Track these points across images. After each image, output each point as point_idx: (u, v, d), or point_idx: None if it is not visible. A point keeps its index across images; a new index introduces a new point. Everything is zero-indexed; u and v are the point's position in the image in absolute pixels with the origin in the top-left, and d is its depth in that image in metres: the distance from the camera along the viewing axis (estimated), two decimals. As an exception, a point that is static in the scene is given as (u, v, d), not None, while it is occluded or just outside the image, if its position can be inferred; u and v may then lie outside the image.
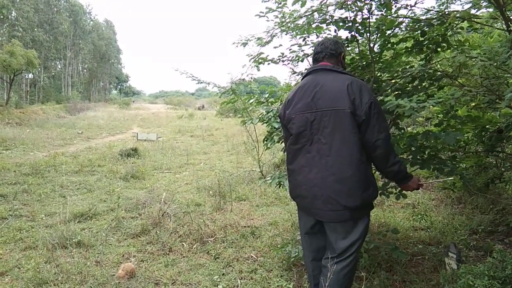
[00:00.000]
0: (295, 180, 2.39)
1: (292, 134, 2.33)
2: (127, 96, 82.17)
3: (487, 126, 3.75)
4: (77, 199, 5.93)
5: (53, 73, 49.81)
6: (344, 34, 3.22)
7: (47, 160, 8.87)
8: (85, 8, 58.20)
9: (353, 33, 3.16)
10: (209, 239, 4.11)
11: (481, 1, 2.91)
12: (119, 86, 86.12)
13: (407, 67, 3.44)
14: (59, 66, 53.14)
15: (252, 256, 3.73)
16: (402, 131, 3.39)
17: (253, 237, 4.23)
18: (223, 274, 3.39)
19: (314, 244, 2.53)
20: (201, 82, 4.18)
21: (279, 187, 3.49)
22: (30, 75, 39.62)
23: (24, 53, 24.66)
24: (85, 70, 62.67)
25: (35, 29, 41.03)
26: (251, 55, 3.58)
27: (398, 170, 2.25)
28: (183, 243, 4.04)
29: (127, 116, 28.16)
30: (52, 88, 47.12)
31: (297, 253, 3.24)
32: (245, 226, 4.54)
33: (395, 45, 3.32)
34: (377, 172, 2.55)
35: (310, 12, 2.93)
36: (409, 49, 3.32)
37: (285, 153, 2.51)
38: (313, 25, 3.14)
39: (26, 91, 39.07)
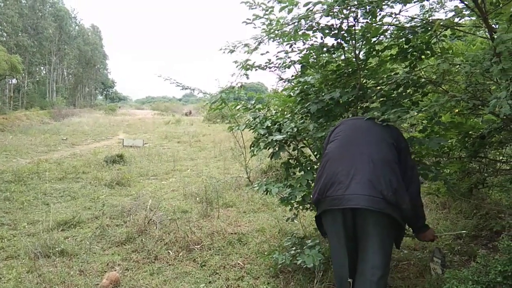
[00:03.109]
0: (330, 170, 2.33)
1: (335, 135, 2.54)
2: (113, 102, 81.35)
3: (470, 132, 3.81)
4: (61, 206, 5.82)
5: (38, 79, 49.07)
6: (330, 41, 3.25)
7: (30, 167, 8.71)
8: (70, 13, 57.65)
9: (339, 40, 3.18)
10: (196, 246, 4.07)
11: (464, 10, 2.95)
12: (105, 92, 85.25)
13: (392, 74, 3.48)
14: (44, 72, 52.40)
15: (239, 263, 3.70)
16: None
17: (240, 244, 4.20)
18: (209, 282, 3.36)
19: (352, 254, 2.32)
20: (186, 88, 4.14)
21: (266, 194, 3.48)
22: (14, 81, 39.00)
23: (7, 58, 24.28)
24: (70, 76, 61.97)
25: (19, 34, 40.45)
26: (238, 62, 3.57)
27: (423, 214, 2.48)
28: (169, 251, 3.99)
29: (113, 122, 27.85)
30: (36, 93, 46.37)
31: (284, 260, 3.22)
32: (232, 233, 4.52)
33: (380, 53, 3.36)
34: None
35: (297, 20, 2.95)
36: (394, 57, 3.36)
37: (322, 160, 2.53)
38: (300, 32, 3.16)
39: (10, 96, 38.35)
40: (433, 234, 2.58)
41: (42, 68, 51.61)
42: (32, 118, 27.38)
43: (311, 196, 2.48)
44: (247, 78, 3.67)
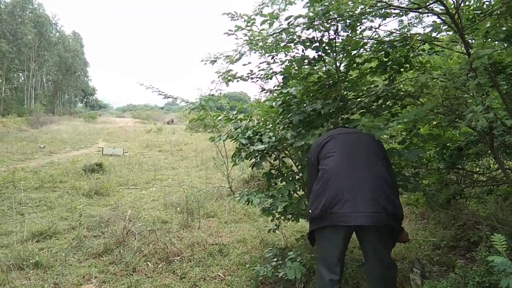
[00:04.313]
0: (335, 187, 2.38)
1: (330, 150, 2.58)
2: (93, 110, 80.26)
3: (448, 144, 3.89)
4: (36, 217, 5.65)
5: (16, 85, 48.03)
6: (311, 53, 3.29)
7: (5, 175, 8.45)
8: (51, 19, 56.81)
9: (320, 52, 3.22)
10: (175, 258, 4.01)
11: (441, 25, 3.03)
12: (85, 99, 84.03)
13: (372, 86, 3.54)
14: (22, 78, 51.37)
15: (219, 275, 3.66)
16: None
17: (221, 255, 4.16)
18: (189, 295, 3.30)
19: (341, 269, 2.48)
20: (168, 97, 4.12)
21: (248, 204, 3.46)
22: (-10, 87, 38.05)
23: (-16, 63, 23.67)
24: (49, 83, 60.89)
25: (-3, 40, 39.60)
26: (220, 72, 3.57)
27: (402, 215, 2.52)
28: (148, 262, 3.91)
29: (92, 130, 27.37)
30: (13, 100, 45.33)
31: (265, 272, 3.19)
32: (213, 244, 4.46)
33: (360, 65, 3.42)
34: None
35: (278, 32, 2.97)
36: (374, 69, 3.42)
37: (320, 172, 2.55)
38: (281, 44, 3.18)
39: (-15, 103, 37.41)
40: (407, 236, 2.71)
41: (20, 74, 50.59)
42: (9, 126, 26.70)
43: (309, 210, 2.50)
44: (227, 85, 3.67)
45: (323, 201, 2.38)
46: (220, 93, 3.92)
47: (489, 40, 2.73)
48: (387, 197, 2.35)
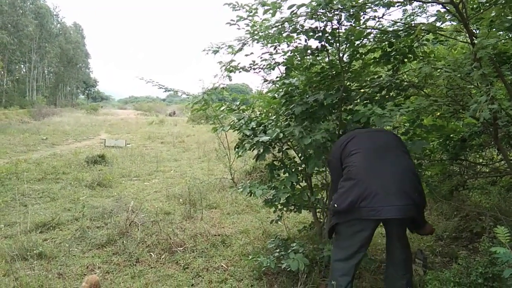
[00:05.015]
0: (364, 182, 2.41)
1: (354, 148, 2.61)
2: (95, 101, 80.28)
3: (451, 135, 3.87)
4: (40, 208, 5.68)
5: (17, 77, 47.93)
6: (314, 43, 3.26)
7: (8, 167, 8.47)
8: (52, 11, 56.58)
9: (323, 42, 3.19)
10: (178, 248, 4.02)
11: (446, 15, 3.00)
12: (86, 91, 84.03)
13: (375, 77, 3.51)
14: (24, 70, 51.31)
15: (222, 266, 3.67)
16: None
17: (223, 246, 4.17)
18: (192, 285, 3.32)
19: (358, 262, 2.57)
20: (169, 90, 4.10)
21: (250, 195, 3.46)
22: (-8, 79, 38.03)
23: (-15, 55, 23.62)
24: (51, 74, 60.76)
25: (-2, 31, 39.46)
26: (222, 63, 3.54)
27: (425, 204, 2.62)
28: (151, 253, 3.93)
29: (94, 122, 27.39)
30: (15, 92, 45.33)
31: (268, 263, 3.20)
32: (215, 235, 4.48)
33: (363, 55, 3.39)
34: None
35: (281, 22, 2.94)
36: (377, 60, 3.39)
37: (347, 168, 2.56)
38: (284, 34, 3.15)
39: (-12, 95, 37.41)
40: (431, 227, 2.75)
41: (22, 66, 50.55)
42: (11, 117, 26.73)
43: (334, 205, 2.52)
44: (230, 80, 3.64)
45: (352, 195, 2.40)
46: (223, 87, 3.90)
47: (494, 29, 2.70)
48: (416, 189, 2.43)
